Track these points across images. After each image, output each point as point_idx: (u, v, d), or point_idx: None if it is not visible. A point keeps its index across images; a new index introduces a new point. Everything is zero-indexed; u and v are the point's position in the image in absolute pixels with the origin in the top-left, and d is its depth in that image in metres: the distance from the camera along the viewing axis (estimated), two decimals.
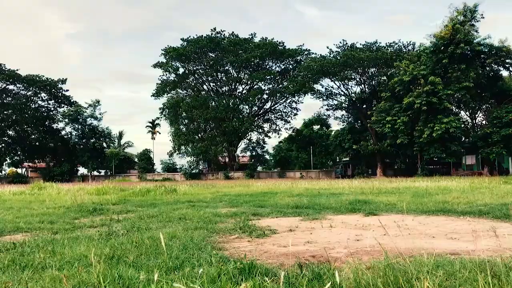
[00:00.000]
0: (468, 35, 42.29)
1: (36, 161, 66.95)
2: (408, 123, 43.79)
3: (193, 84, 64.32)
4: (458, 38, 41.81)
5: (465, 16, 43.82)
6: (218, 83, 63.79)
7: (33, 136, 64.41)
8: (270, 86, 64.24)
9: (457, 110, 50.68)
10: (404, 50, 52.32)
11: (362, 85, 56.50)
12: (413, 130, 43.70)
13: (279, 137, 68.57)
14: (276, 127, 65.73)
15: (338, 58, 52.17)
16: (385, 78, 52.83)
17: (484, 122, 52.22)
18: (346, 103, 59.20)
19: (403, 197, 10.72)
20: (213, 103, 61.02)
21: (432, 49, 44.82)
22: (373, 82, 55.40)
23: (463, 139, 48.71)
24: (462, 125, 47.12)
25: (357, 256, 3.83)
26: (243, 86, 63.98)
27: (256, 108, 65.36)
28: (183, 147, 62.50)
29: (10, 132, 63.17)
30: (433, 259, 3.18)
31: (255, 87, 62.59)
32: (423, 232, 5.40)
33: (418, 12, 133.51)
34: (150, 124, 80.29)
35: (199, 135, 63.91)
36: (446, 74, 43.74)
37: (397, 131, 44.36)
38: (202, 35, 59.23)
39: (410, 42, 53.26)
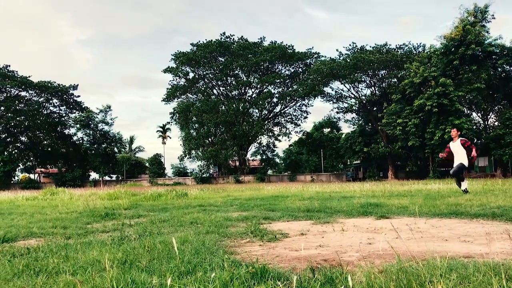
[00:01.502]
0: (479, 36, 41.93)
1: (48, 167, 67.71)
2: (419, 125, 43.50)
3: (203, 88, 64.62)
4: (468, 39, 41.49)
5: (476, 17, 43.47)
6: (228, 87, 64.00)
7: (45, 142, 65.12)
8: (280, 89, 64.35)
9: (468, 112, 50.26)
10: (414, 52, 52.06)
11: (372, 88, 56.34)
12: (424, 132, 43.40)
13: (289, 140, 68.64)
14: (286, 131, 65.76)
15: (348, 60, 52.07)
16: (395, 80, 52.61)
17: (496, 123, 51.67)
18: (357, 105, 59.02)
19: (415, 200, 10.63)
20: (223, 107, 61.22)
21: (442, 50, 44.53)
22: (384, 84, 55.18)
23: (475, 140, 48.24)
24: (474, 127, 46.68)
25: (370, 260, 3.80)
26: (253, 90, 64.20)
27: (266, 112, 65.44)
28: (193, 152, 62.75)
29: (23, 138, 63.96)
30: (446, 262, 3.15)
31: (264, 90, 62.70)
32: (436, 235, 5.35)
33: (428, 13, 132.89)
34: (161, 129, 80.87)
35: (209, 139, 64.11)
36: (457, 75, 43.41)
37: (408, 133, 44.10)
38: (211, 40, 59.58)
39: (420, 43, 53.09)
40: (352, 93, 57.60)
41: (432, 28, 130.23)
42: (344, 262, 3.69)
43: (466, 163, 11.80)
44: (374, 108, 56.08)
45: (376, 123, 53.30)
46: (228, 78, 62.90)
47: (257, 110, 64.31)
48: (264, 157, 65.63)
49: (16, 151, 62.35)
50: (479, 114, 52.71)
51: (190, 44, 61.25)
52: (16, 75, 57.26)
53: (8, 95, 59.32)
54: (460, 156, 11.87)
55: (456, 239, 4.99)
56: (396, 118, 45.37)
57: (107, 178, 65.50)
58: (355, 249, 4.45)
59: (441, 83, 41.42)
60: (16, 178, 64.36)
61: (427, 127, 43.08)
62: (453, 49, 43.15)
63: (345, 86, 56.89)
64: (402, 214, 7.91)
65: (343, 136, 63.79)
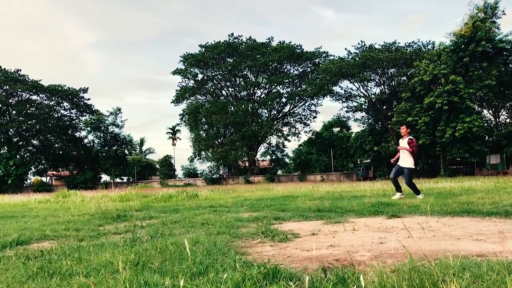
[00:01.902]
0: (489, 32, 41.50)
1: (60, 170, 68.32)
2: (429, 123, 43.17)
3: (212, 89, 64.73)
4: (479, 35, 41.09)
5: (486, 13, 43.03)
6: (237, 88, 64.04)
7: (56, 145, 65.67)
8: (289, 89, 64.21)
9: (479, 109, 49.81)
10: (424, 49, 51.63)
11: (382, 86, 56.01)
12: (435, 130, 43.07)
13: (298, 140, 68.43)
14: (295, 131, 65.57)
15: (357, 59, 51.82)
16: (405, 78, 52.26)
17: (508, 120, 51.21)
18: (366, 104, 58.74)
19: (426, 199, 10.56)
20: (232, 108, 61.27)
21: (452, 47, 44.16)
22: (393, 82, 54.84)
23: (487, 138, 47.81)
24: (485, 124, 46.26)
25: (381, 259, 3.79)
26: (262, 90, 64.13)
27: (275, 112, 65.37)
28: (203, 153, 62.82)
29: (34, 142, 64.56)
30: (459, 261, 3.13)
31: (273, 91, 62.62)
32: (448, 233, 5.32)
33: (436, 10, 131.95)
34: (171, 131, 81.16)
35: (219, 140, 64.18)
36: (467, 72, 43.03)
37: (419, 132, 43.79)
38: (219, 41, 59.64)
39: (429, 41, 52.59)
40: (361, 92, 57.38)
41: (442, 26, 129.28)
42: (355, 262, 3.69)
43: (412, 165, 11.06)
44: (384, 107, 55.75)
45: (386, 122, 53.00)
46: (237, 78, 62.95)
47: (266, 111, 64.27)
48: (273, 157, 65.54)
49: (28, 154, 62.94)
50: (490, 111, 52.26)
51: (199, 45, 61.38)
52: (27, 79, 57.80)
53: (20, 99, 59.94)
54: (407, 157, 11.08)
55: (468, 238, 4.96)
56: (406, 116, 45.07)
57: (118, 180, 65.89)
58: (366, 249, 4.44)
59: (451, 81, 41.07)
60: (29, 181, 64.97)
61: (438, 125, 42.74)
62: (463, 46, 42.78)
63: (354, 85, 56.68)
64: (413, 213, 7.87)
65: (353, 135, 63.52)
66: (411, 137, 11.27)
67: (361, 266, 3.53)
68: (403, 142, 11.18)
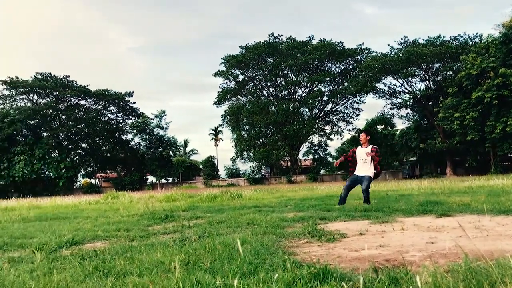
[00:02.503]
0: None
1: (108, 171, 70.46)
2: (478, 119, 41.68)
3: (252, 90, 64.97)
4: None
5: None
6: (277, 88, 63.98)
7: (104, 148, 67.81)
8: (330, 87, 63.56)
9: None
10: (471, 42, 49.87)
11: (427, 82, 54.56)
12: (484, 126, 41.53)
13: (341, 139, 67.46)
14: (338, 129, 64.77)
15: (400, 55, 50.71)
16: (451, 73, 50.70)
17: None
18: (411, 100, 57.38)
19: (477, 197, 10.21)
20: (273, 108, 61.26)
21: (501, 39, 42.37)
22: (438, 77, 53.29)
23: None
24: None
25: (433, 260, 3.70)
26: (303, 89, 63.75)
27: (317, 111, 64.84)
28: (245, 153, 63.09)
29: (83, 145, 66.97)
30: None
31: (314, 89, 62.12)
32: (503, 233, 5.13)
33: (482, 2, 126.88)
34: (213, 132, 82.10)
35: (261, 140, 64.29)
36: None
37: (467, 128, 42.36)
38: (260, 41, 59.78)
39: (476, 34, 50.75)
40: (405, 88, 56.09)
41: (489, 17, 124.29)
42: (407, 262, 3.61)
43: (373, 174, 9.90)
44: (429, 103, 54.31)
45: (432, 118, 51.59)
46: (278, 78, 62.88)
47: (307, 109, 63.84)
48: (316, 156, 65.02)
49: (77, 157, 65.26)
50: None
51: (239, 46, 61.78)
52: (75, 84, 59.97)
53: (69, 104, 62.28)
54: (367, 166, 9.87)
55: None
56: (453, 112, 43.71)
57: (163, 181, 67.23)
58: (417, 249, 4.34)
59: (501, 74, 39.45)
60: (78, 183, 67.33)
61: (487, 121, 41.20)
62: None
63: (398, 81, 55.48)
64: (464, 211, 7.62)
65: (397, 132, 62.20)
66: (374, 146, 10.12)
67: (413, 267, 3.46)
68: (366, 151, 9.92)
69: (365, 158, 9.87)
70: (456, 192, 13.14)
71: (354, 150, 10.29)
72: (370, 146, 10.04)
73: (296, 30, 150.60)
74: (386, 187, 19.13)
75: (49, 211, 13.84)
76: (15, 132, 57.31)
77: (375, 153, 9.83)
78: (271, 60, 60.90)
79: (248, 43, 61.02)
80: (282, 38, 60.68)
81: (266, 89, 65.50)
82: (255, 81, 64.56)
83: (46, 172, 59.30)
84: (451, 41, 50.52)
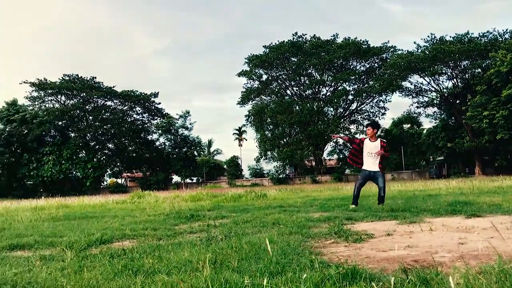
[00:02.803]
0: None
1: (134, 171, 71.47)
2: (508, 117, 40.65)
3: (276, 89, 64.86)
4: None
5: None
6: (302, 87, 63.69)
7: (130, 148, 68.79)
8: (355, 86, 62.95)
9: None
10: (500, 39, 48.60)
11: (454, 80, 53.48)
12: None
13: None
14: (363, 128, 64.05)
15: (427, 52, 49.79)
16: (479, 70, 49.54)
17: None
18: (438, 99, 56.35)
19: (509, 197, 9.97)
20: (297, 107, 61.05)
21: None
22: (466, 75, 52.17)
23: None
24: None
25: (464, 261, 3.63)
26: (327, 88, 63.33)
27: (342, 110, 64.32)
28: (269, 153, 63.04)
29: (110, 145, 68.13)
30: None
31: (339, 88, 61.64)
32: None
33: None
34: (237, 131, 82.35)
35: (285, 140, 64.14)
36: None
37: (496, 126, 41.36)
38: (283, 41, 59.55)
39: (506, 30, 49.47)
40: (432, 86, 55.12)
41: None
42: (436, 263, 3.55)
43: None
44: (457, 101, 53.26)
45: (460, 117, 50.58)
46: (301, 77, 62.59)
47: (332, 109, 63.39)
48: (341, 156, 64.52)
49: (104, 157, 66.40)
50: None
51: (263, 46, 61.71)
52: (101, 86, 60.98)
53: (95, 105, 63.44)
54: (375, 162, 9.61)
55: None
56: (482, 110, 42.74)
57: (188, 180, 67.80)
58: (446, 250, 4.26)
59: None
60: (105, 182, 68.50)
61: None
62: None
63: (425, 79, 54.56)
64: (495, 212, 7.44)
65: (424, 131, 61.23)
66: (384, 139, 9.89)
67: (443, 268, 3.40)
68: (375, 146, 9.59)
69: (373, 153, 9.58)
70: (486, 192, 12.85)
71: (363, 140, 9.87)
72: (379, 139, 9.74)
73: (320, 29, 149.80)
74: (413, 187, 18.85)
75: (77, 210, 14.09)
76: (43, 133, 58.66)
77: (384, 150, 9.56)
78: (295, 59, 60.64)
79: (271, 43, 61.03)
80: (306, 37, 60.40)
81: (290, 89, 65.34)
82: (279, 81, 64.43)
83: (74, 172, 60.47)
84: (479, 38, 49.39)
